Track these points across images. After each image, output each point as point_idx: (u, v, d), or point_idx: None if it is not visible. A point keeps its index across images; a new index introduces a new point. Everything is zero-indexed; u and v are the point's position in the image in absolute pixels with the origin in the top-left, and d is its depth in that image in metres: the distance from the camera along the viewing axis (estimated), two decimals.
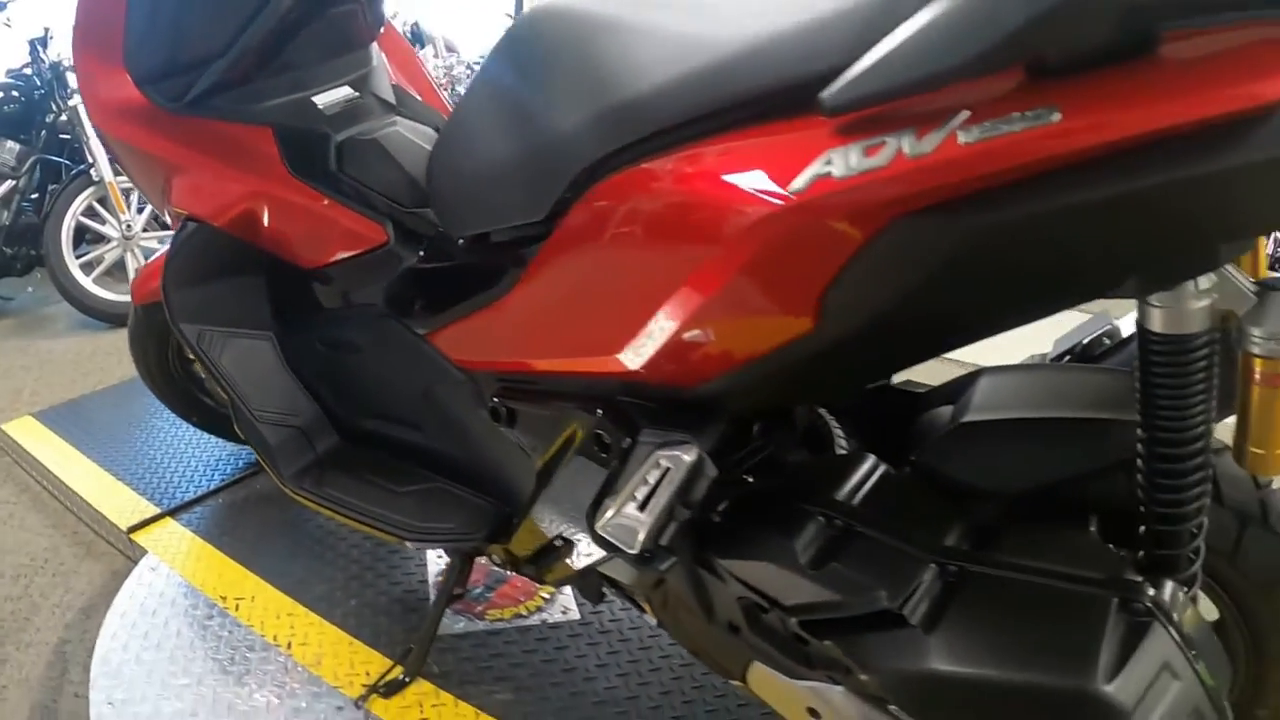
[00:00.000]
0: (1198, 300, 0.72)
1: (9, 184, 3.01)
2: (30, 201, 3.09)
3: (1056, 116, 0.60)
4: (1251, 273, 0.86)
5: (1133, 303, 0.79)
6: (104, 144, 1.94)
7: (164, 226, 3.13)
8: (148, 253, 3.15)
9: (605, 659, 1.42)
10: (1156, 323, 0.73)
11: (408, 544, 1.25)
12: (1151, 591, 0.74)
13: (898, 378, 1.11)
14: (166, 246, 1.44)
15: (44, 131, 3.14)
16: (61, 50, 3.16)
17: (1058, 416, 0.89)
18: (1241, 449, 0.76)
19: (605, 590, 1.15)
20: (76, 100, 2.99)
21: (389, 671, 1.35)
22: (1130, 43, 0.59)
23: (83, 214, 3.06)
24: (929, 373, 1.02)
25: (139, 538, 1.77)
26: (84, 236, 3.11)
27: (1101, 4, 0.56)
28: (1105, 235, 0.64)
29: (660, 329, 0.80)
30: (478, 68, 2.32)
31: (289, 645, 1.44)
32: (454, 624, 1.50)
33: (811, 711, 0.91)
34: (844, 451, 1.01)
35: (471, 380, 1.11)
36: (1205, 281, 0.71)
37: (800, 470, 0.96)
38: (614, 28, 0.84)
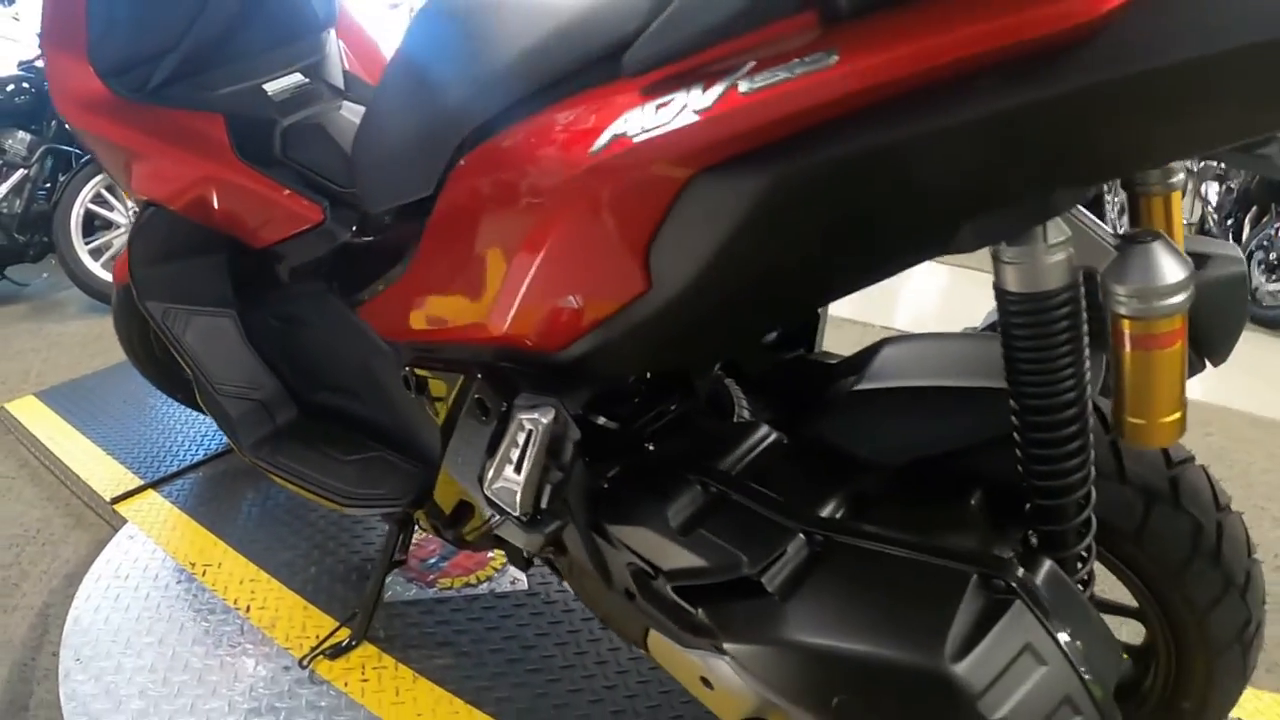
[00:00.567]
0: (1051, 255, 0.68)
1: (21, 173, 3.16)
2: (43, 190, 3.24)
3: (834, 59, 0.58)
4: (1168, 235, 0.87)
5: None
6: (74, 135, 2.05)
7: None
8: None
9: (546, 628, 1.50)
10: (1011, 280, 0.70)
11: (345, 510, 1.34)
12: (1021, 572, 0.71)
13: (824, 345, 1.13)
14: None
15: (54, 121, 3.27)
16: None
17: (945, 386, 0.87)
18: (1120, 420, 0.72)
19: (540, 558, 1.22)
20: None
21: (333, 633, 1.44)
22: None
23: (92, 201, 3.19)
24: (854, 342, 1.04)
25: (121, 508, 1.89)
26: (93, 223, 3.25)
27: None
28: (910, 181, 0.61)
29: (515, 296, 0.85)
30: None
31: (248, 609, 1.54)
32: (405, 591, 1.59)
33: (704, 680, 0.90)
34: (744, 420, 1.06)
35: (395, 351, 1.18)
36: (1057, 234, 0.67)
37: (691, 438, 0.99)
38: (492, 7, 0.89)
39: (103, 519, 1.91)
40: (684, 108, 0.65)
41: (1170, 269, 0.66)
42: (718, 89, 0.64)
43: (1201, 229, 3.91)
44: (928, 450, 0.88)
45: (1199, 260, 0.99)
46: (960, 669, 0.66)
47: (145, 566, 1.66)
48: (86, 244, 3.19)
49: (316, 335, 1.46)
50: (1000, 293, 0.71)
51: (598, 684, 1.37)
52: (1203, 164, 3.85)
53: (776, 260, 0.69)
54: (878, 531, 0.78)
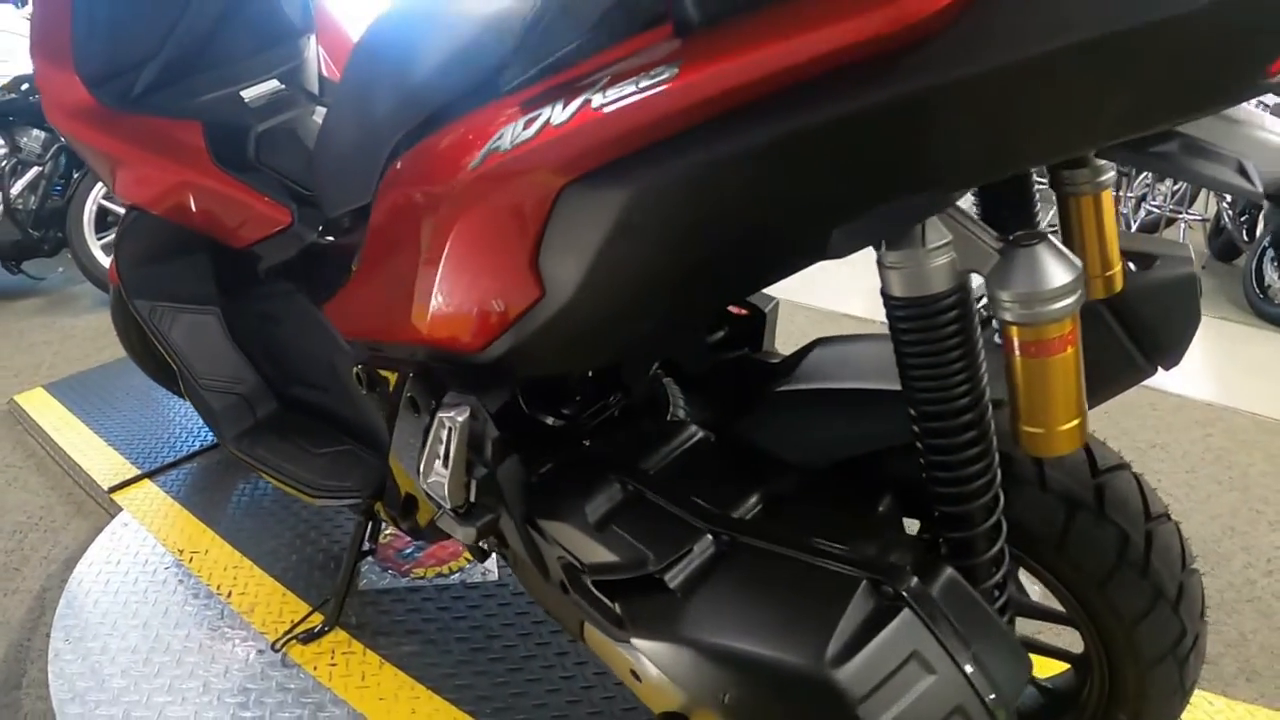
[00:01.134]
0: (932, 258, 0.67)
1: (36, 170, 3.30)
2: (58, 187, 3.37)
3: (675, 71, 0.60)
4: (1100, 260, 0.87)
5: None
6: (66, 141, 2.16)
7: None
8: None
9: (512, 619, 1.58)
10: (895, 285, 0.70)
11: (315, 502, 1.44)
12: (914, 579, 0.71)
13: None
14: None
15: None
16: None
17: (865, 388, 0.87)
18: (1016, 429, 0.70)
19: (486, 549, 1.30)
20: None
21: (305, 619, 1.54)
22: None
23: (104, 198, 3.32)
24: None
25: (118, 497, 2.00)
26: (106, 219, 3.38)
27: None
28: (759, 190, 0.62)
29: (432, 301, 0.91)
30: None
31: (229, 594, 1.65)
32: (379, 580, 1.68)
33: (634, 674, 0.90)
34: (675, 420, 1.12)
35: (352, 348, 1.27)
36: (936, 237, 0.67)
37: (620, 436, 1.05)
38: (425, 22, 0.95)
39: (101, 507, 2.03)
40: (546, 122, 0.69)
41: (1056, 271, 0.64)
42: (575, 104, 0.67)
43: (1217, 225, 3.89)
44: (845, 452, 0.90)
45: (1145, 260, 1.00)
46: (840, 673, 0.67)
47: (136, 553, 1.77)
48: (99, 239, 3.32)
49: (291, 332, 1.55)
50: (886, 298, 0.71)
51: (556, 674, 1.45)
52: None
53: (653, 267, 0.71)
54: (779, 534, 0.80)
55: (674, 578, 0.81)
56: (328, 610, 1.55)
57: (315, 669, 1.46)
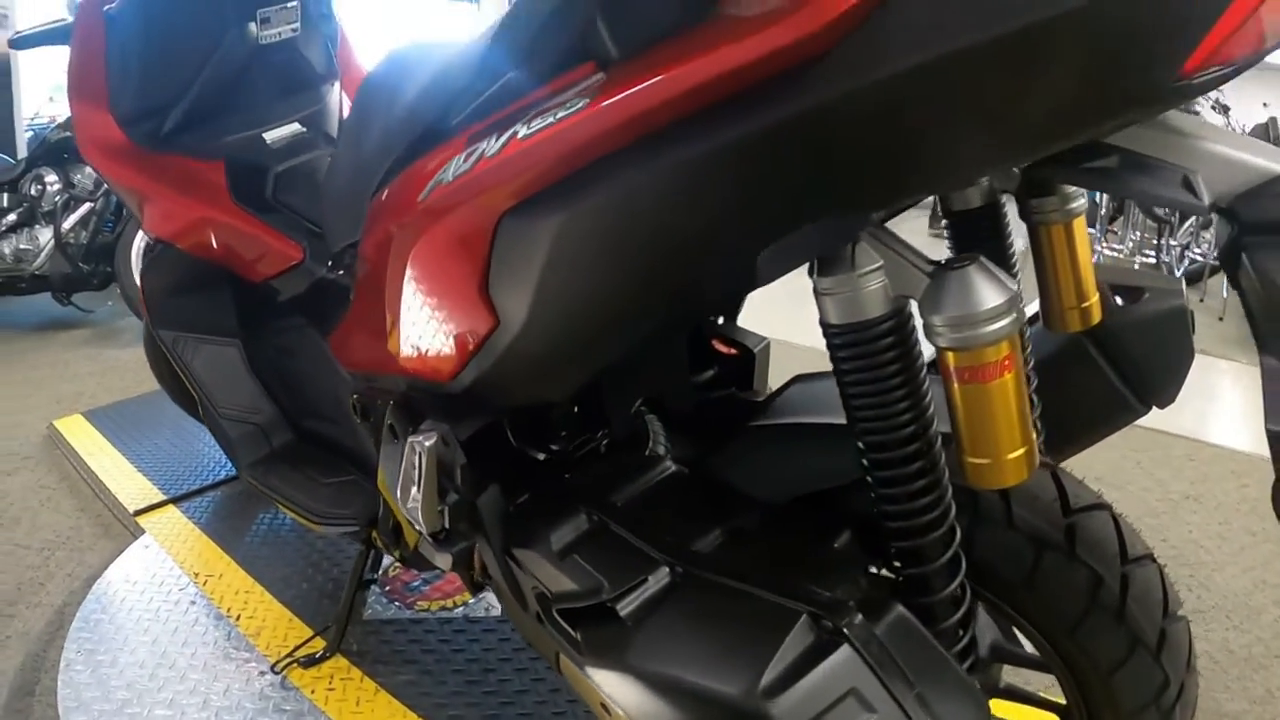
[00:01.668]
0: (864, 283, 0.67)
1: (88, 206, 3.51)
2: (108, 223, 3.57)
3: (584, 102, 0.62)
4: (1075, 291, 0.88)
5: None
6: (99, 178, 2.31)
7: None
8: None
9: (509, 655, 1.62)
10: (830, 312, 0.70)
11: (318, 529, 1.50)
12: (858, 616, 0.71)
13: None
14: None
15: None
16: None
17: (827, 423, 0.87)
18: (961, 461, 0.70)
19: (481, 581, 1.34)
20: None
21: (306, 643, 1.59)
22: (689, 10, 0.59)
23: None
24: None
25: (142, 520, 2.09)
26: None
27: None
28: (679, 211, 0.63)
29: (403, 333, 0.95)
30: None
31: (238, 617, 1.71)
32: (385, 610, 1.73)
33: (604, 706, 0.89)
34: (659, 453, 1.15)
35: (352, 379, 1.34)
36: (866, 261, 0.67)
37: (596, 469, 1.08)
38: (413, 64, 1.02)
39: (127, 529, 2.12)
40: (482, 154, 0.74)
41: (988, 293, 0.63)
42: (505, 136, 0.72)
43: None
44: (806, 488, 0.90)
45: (1132, 294, 1.00)
46: (772, 705, 0.66)
47: (154, 574, 1.85)
48: None
49: (305, 365, 1.64)
50: (824, 326, 0.72)
51: (547, 710, 1.48)
52: None
53: (592, 293, 0.72)
54: (732, 567, 0.81)
55: (625, 607, 0.81)
56: (329, 636, 1.60)
57: (313, 692, 1.51)
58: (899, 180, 0.61)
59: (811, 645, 0.70)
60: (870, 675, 0.68)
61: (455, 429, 0.97)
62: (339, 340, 1.30)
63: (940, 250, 0.74)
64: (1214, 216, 0.60)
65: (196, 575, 1.85)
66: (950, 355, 0.65)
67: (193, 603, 1.75)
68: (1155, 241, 4.23)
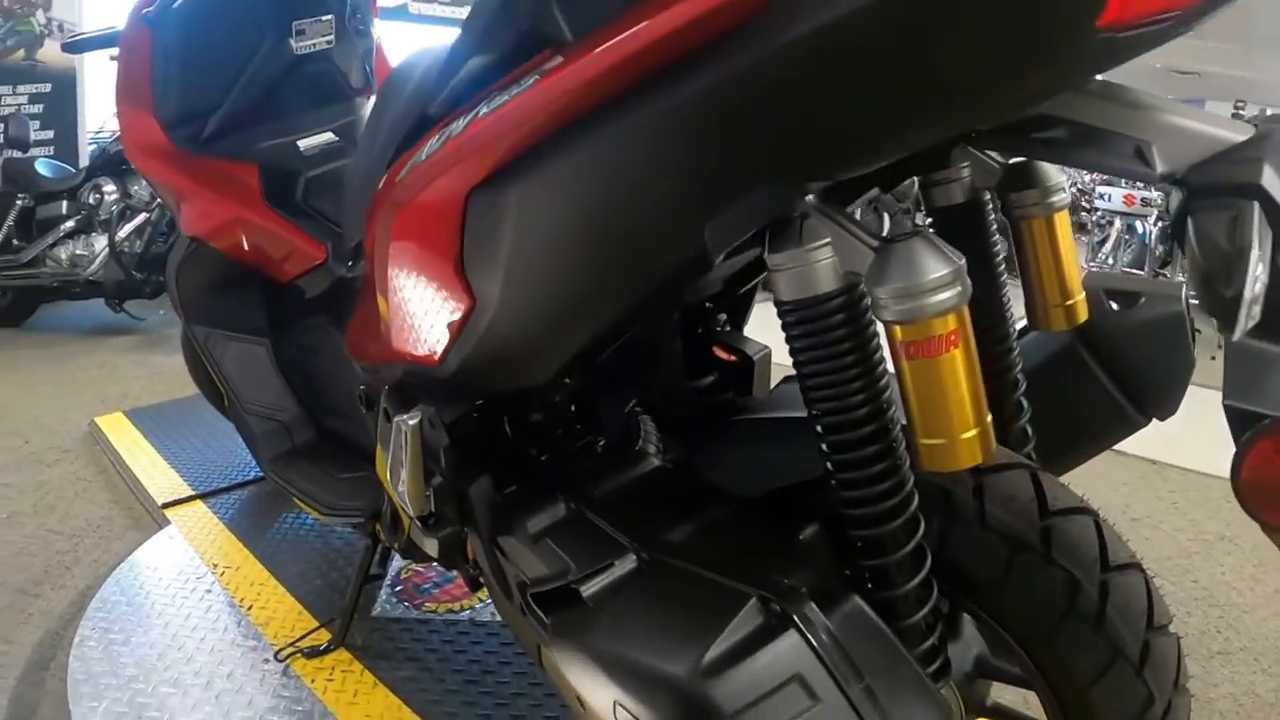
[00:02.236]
0: (813, 257, 0.68)
1: (143, 216, 3.68)
2: (162, 233, 3.74)
3: (535, 77, 0.66)
4: (1059, 288, 0.87)
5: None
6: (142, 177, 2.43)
7: None
8: None
9: (510, 658, 1.64)
10: (782, 289, 0.71)
11: (324, 519, 1.55)
12: (810, 604, 0.70)
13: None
14: None
15: None
16: None
17: (796, 417, 0.86)
18: (914, 444, 0.69)
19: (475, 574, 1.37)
20: None
21: (311, 634, 1.63)
22: None
23: None
24: None
25: (170, 513, 2.16)
26: None
27: None
28: (622, 181, 0.65)
29: (393, 319, 0.99)
30: None
31: (250, 608, 1.76)
32: (394, 609, 1.77)
33: (579, 701, 0.87)
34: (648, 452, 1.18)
35: (363, 372, 1.39)
36: (814, 236, 0.68)
37: (584, 464, 1.10)
38: (418, 66, 1.08)
39: (155, 522, 2.19)
40: (450, 135, 0.79)
41: (931, 263, 0.63)
42: (469, 117, 0.76)
43: None
44: (778, 482, 0.89)
45: (1129, 299, 0.99)
46: (711, 685, 0.66)
47: (174, 563, 1.92)
48: None
49: (326, 364, 1.70)
50: (778, 306, 0.72)
51: (540, 714, 1.49)
52: None
53: (556, 268, 0.74)
54: (694, 555, 0.82)
55: (589, 589, 0.82)
56: (335, 629, 1.64)
57: (313, 681, 1.54)
58: (830, 147, 0.62)
59: (758, 628, 0.69)
60: (816, 663, 0.68)
61: (441, 412, 1.01)
62: (351, 335, 1.35)
63: None
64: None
65: (215, 566, 1.91)
66: (897, 330, 0.65)
67: (208, 591, 1.81)
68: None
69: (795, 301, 0.70)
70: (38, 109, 4.50)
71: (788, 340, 0.73)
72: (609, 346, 0.92)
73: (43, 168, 3.92)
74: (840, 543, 0.81)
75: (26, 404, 3.02)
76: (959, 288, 0.64)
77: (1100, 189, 5.49)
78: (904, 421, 0.73)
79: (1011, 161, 0.86)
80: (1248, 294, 0.51)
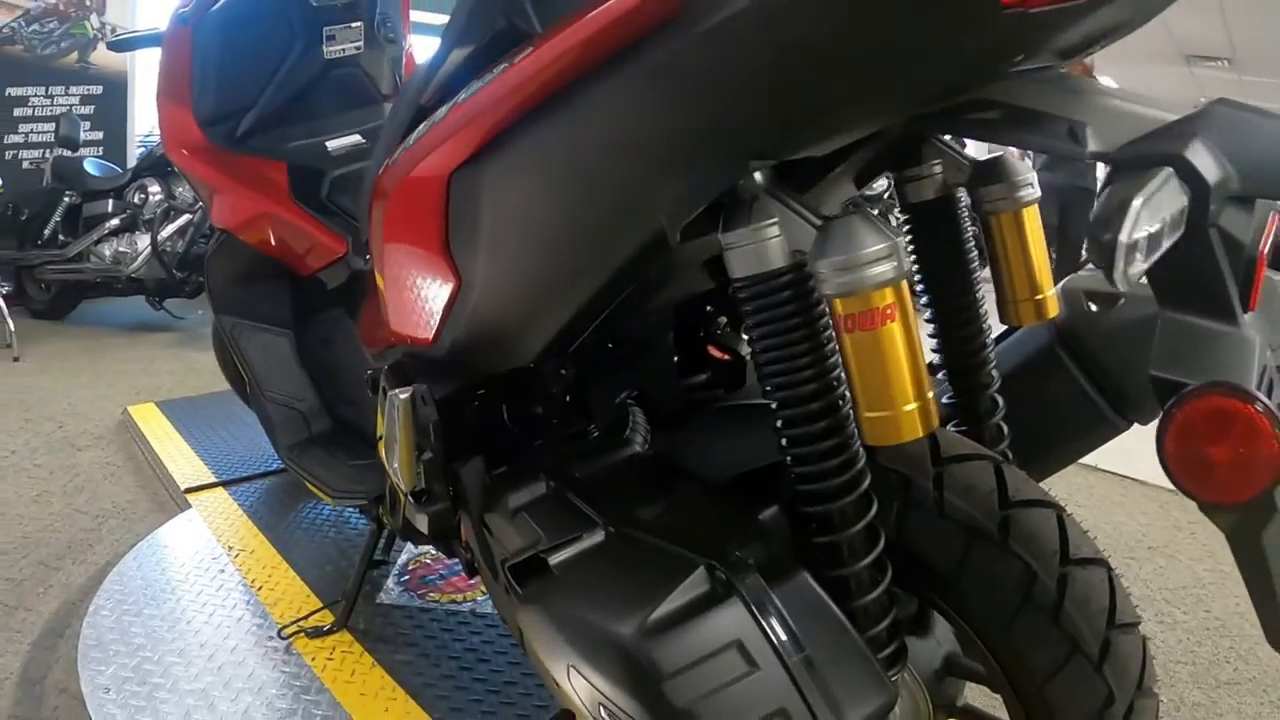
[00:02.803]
0: (762, 235, 0.71)
1: (186, 218, 3.83)
2: (204, 235, 3.88)
3: (504, 66, 0.72)
4: (1028, 283, 0.89)
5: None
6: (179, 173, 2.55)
7: None
8: None
9: (506, 648, 1.68)
10: (735, 265, 0.74)
11: (331, 501, 1.61)
12: (753, 574, 0.73)
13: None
14: None
15: None
16: None
17: (763, 404, 0.86)
18: (859, 420, 0.72)
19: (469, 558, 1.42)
20: None
21: (315, 613, 1.69)
22: None
23: None
24: None
25: (192, 497, 2.25)
26: None
27: None
28: (579, 161, 0.71)
29: (392, 299, 1.05)
30: None
31: (260, 588, 1.82)
32: (399, 598, 1.82)
33: (555, 683, 0.88)
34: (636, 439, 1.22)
35: (374, 360, 1.45)
36: (763, 216, 0.71)
37: (571, 449, 1.15)
38: (424, 68, 1.15)
39: (179, 506, 2.28)
40: (433, 122, 0.86)
41: (869, 238, 0.66)
42: (450, 104, 0.83)
43: None
44: (743, 466, 0.92)
45: (1107, 300, 1.00)
46: (653, 644, 0.69)
47: (191, 543, 1.99)
48: None
49: (343, 355, 1.78)
50: (733, 285, 0.76)
51: (530, 702, 1.53)
52: None
53: (531, 244, 0.80)
54: (657, 529, 0.85)
55: (556, 558, 0.86)
56: (338, 612, 1.70)
57: (313, 659, 1.59)
58: (762, 128, 0.66)
59: (703, 594, 0.72)
60: (757, 631, 0.70)
61: (434, 389, 1.06)
62: (363, 324, 1.42)
63: None
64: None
65: (230, 549, 1.98)
66: (838, 304, 0.68)
67: (221, 571, 1.88)
68: None
69: (747, 278, 0.74)
70: (88, 110, 4.72)
71: (743, 321, 0.77)
72: (589, 326, 0.96)
73: (91, 167, 4.11)
74: (796, 522, 0.84)
75: (63, 392, 3.15)
76: (895, 262, 0.67)
77: None
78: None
79: (983, 159, 0.90)
80: (1124, 238, 0.53)
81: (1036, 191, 0.88)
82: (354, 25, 1.81)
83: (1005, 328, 1.07)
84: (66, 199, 3.94)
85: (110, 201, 3.92)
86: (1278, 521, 0.64)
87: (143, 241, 3.85)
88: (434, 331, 1.01)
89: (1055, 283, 0.96)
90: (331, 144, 1.81)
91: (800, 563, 0.79)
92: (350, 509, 2.09)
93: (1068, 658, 0.80)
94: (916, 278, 0.98)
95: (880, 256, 0.66)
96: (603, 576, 0.83)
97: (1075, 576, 0.80)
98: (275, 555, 1.97)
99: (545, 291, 0.86)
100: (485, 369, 1.09)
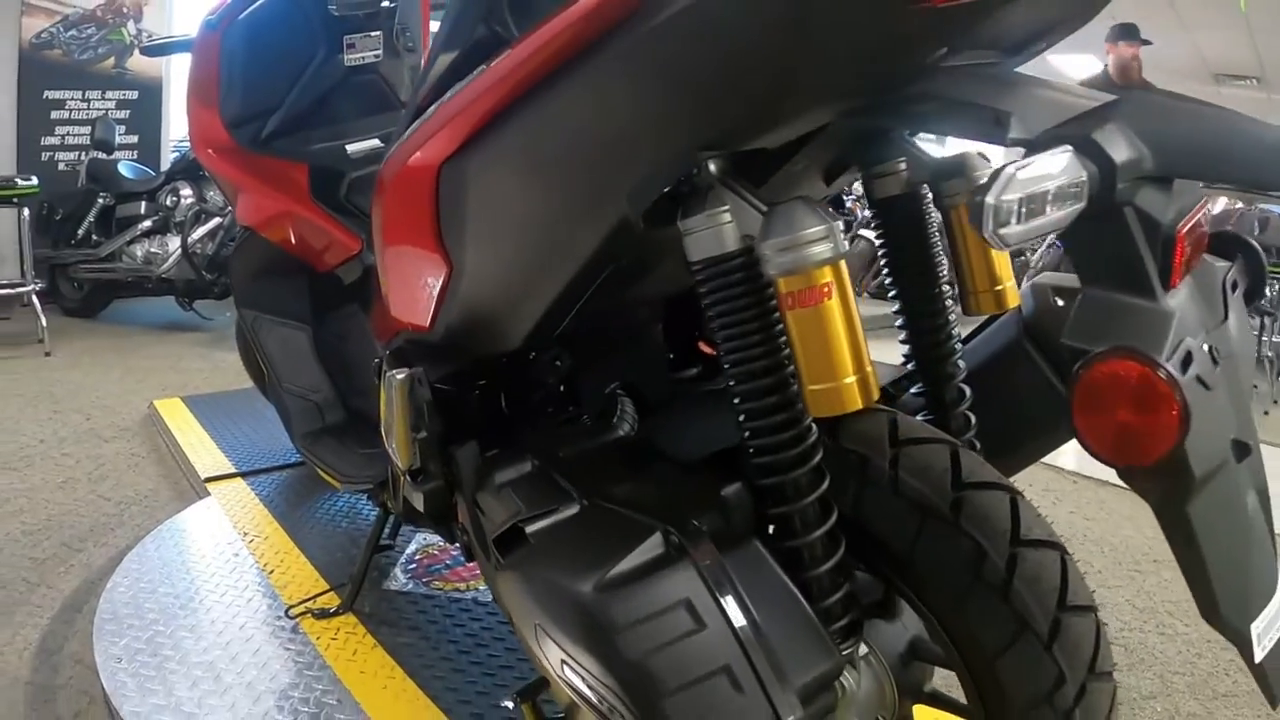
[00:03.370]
0: (715, 220, 0.78)
1: (216, 221, 3.96)
2: (234, 238, 4.01)
3: (484, 67, 0.80)
4: (987, 274, 0.95)
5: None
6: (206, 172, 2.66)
7: None
8: None
9: (504, 635, 1.74)
10: (692, 250, 0.80)
11: (340, 487, 1.69)
12: (704, 539, 0.78)
13: None
14: None
15: None
16: None
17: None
18: (804, 392, 0.77)
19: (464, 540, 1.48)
20: None
21: (321, 594, 1.77)
22: None
23: None
24: None
25: (211, 486, 2.34)
26: None
27: None
28: (547, 151, 0.78)
29: (390, 286, 1.12)
30: None
31: (272, 572, 1.91)
32: (405, 584, 1.89)
33: (520, 635, 0.93)
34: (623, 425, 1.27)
35: (381, 350, 1.53)
36: (717, 203, 0.78)
37: (560, 433, 1.22)
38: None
39: (199, 495, 2.37)
40: (424, 119, 0.93)
41: (809, 221, 0.72)
42: (439, 102, 0.91)
43: None
44: (710, 447, 0.96)
45: (1074, 295, 1.05)
46: (605, 599, 0.74)
47: (208, 528, 2.08)
48: None
49: (355, 347, 1.86)
50: (691, 268, 0.82)
51: (524, 685, 1.59)
52: None
53: (513, 231, 0.87)
54: (627, 502, 0.91)
55: (533, 527, 0.92)
56: (345, 594, 1.77)
57: (318, 639, 1.67)
58: (705, 120, 0.72)
59: (657, 557, 0.78)
60: (705, 592, 0.75)
61: (429, 371, 1.13)
62: (373, 318, 1.50)
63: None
64: None
65: (245, 534, 2.07)
66: (781, 282, 0.74)
67: (235, 554, 1.96)
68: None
69: (703, 261, 0.81)
70: (124, 115, 4.91)
71: (701, 299, 0.83)
72: (571, 310, 1.02)
73: (125, 169, 4.27)
74: (755, 496, 0.87)
75: (92, 386, 3.28)
76: (832, 243, 0.73)
77: None
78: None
79: (944, 156, 0.95)
80: (990, 200, 0.58)
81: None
82: (373, 34, 1.90)
83: (975, 326, 1.11)
84: (100, 200, 4.10)
85: (143, 204, 4.07)
86: (1203, 495, 0.67)
87: (174, 243, 3.99)
88: (430, 317, 1.08)
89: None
90: (351, 147, 1.90)
91: (755, 534, 0.84)
92: (361, 498, 2.16)
93: (1016, 635, 0.81)
94: (884, 270, 1.03)
95: (819, 237, 0.72)
96: (572, 543, 0.89)
97: (1025, 557, 0.82)
98: (288, 541, 2.05)
99: (526, 275, 0.93)
100: (477, 352, 1.16)
